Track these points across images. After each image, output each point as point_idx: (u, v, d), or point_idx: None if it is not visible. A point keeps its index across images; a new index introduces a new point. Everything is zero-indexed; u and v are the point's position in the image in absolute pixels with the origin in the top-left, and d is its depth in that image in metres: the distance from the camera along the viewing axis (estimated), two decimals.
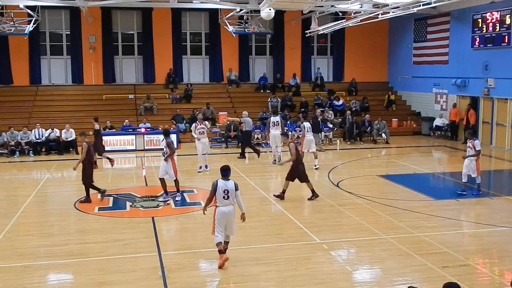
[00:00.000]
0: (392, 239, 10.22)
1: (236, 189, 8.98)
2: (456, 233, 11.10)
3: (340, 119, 26.17)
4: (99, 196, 13.72)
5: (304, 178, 13.33)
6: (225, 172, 9.07)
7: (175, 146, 15.37)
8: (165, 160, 13.53)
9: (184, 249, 9.80)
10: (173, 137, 22.74)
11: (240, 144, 21.89)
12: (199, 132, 17.60)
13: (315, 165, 17.67)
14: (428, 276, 8.49)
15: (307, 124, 17.97)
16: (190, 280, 8.34)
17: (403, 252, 9.55)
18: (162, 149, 14.17)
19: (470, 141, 13.83)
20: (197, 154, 17.99)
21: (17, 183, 16.68)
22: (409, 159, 20.77)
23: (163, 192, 13.72)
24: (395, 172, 17.52)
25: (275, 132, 18.70)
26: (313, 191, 13.32)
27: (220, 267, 8.74)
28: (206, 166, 17.88)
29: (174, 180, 13.65)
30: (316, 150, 18.76)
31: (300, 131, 24.04)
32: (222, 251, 8.85)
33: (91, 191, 13.51)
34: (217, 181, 9.02)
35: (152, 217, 11.94)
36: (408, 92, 29.55)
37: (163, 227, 11.35)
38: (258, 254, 9.52)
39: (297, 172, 13.25)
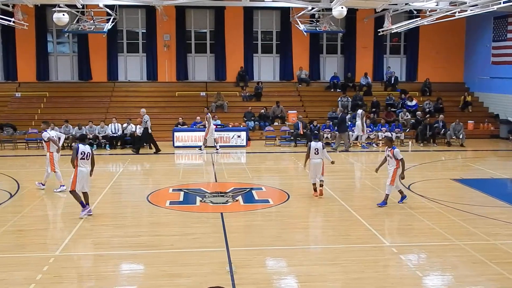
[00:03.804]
0: (466, 245, 9.85)
1: (323, 148, 13.42)
2: None
3: (413, 120, 25.52)
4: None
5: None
6: (316, 136, 14.79)
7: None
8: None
9: (252, 246, 9.86)
10: (243, 134, 23.11)
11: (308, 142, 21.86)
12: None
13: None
14: (504, 286, 8.12)
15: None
16: (257, 277, 8.40)
17: (477, 259, 9.18)
18: None
19: None
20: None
21: (94, 175, 17.34)
22: (486, 163, 19.96)
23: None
24: (470, 176, 16.89)
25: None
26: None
27: (320, 194, 13.35)
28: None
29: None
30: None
31: (370, 131, 23.81)
32: (315, 189, 13.46)
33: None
34: (310, 142, 13.68)
35: (221, 213, 12.11)
36: (486, 93, 28.38)
37: (232, 223, 11.47)
38: (325, 255, 9.46)
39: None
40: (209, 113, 22.08)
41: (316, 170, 13.41)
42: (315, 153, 13.31)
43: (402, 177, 12.53)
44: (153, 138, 21.93)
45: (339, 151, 21.64)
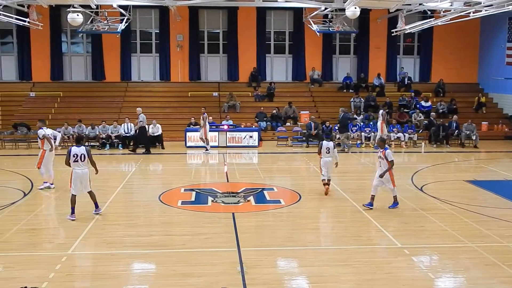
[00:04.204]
0: (479, 247, 9.77)
1: (334, 147, 14.02)
2: None
3: (426, 121, 25.36)
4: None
5: None
6: (328, 135, 14.81)
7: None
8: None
9: (263, 246, 9.87)
10: (255, 134, 23.15)
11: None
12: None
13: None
14: None
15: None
16: (269, 277, 8.40)
17: (490, 262, 9.10)
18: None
19: None
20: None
21: (106, 175, 17.46)
22: (499, 164, 19.78)
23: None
24: (483, 178, 16.76)
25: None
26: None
27: (326, 193, 13.74)
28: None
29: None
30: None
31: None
32: (325, 184, 13.87)
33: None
34: (322, 141, 14.08)
35: (233, 213, 12.13)
36: (501, 94, 28.13)
37: (243, 223, 11.47)
38: (336, 255, 9.43)
39: None
40: (205, 113, 21.99)
41: (327, 168, 13.91)
42: (326, 152, 13.85)
43: (381, 176, 12.33)
44: (148, 138, 22.01)
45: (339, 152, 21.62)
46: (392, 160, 12.25)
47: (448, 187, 15.40)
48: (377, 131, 23.05)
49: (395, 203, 12.58)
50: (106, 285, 8.11)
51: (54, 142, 14.72)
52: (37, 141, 14.72)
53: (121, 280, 8.27)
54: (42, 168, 14.43)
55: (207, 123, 21.85)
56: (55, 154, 14.85)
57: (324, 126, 23.05)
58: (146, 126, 22.00)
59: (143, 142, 21.93)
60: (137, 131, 21.88)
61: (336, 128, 23.44)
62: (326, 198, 13.58)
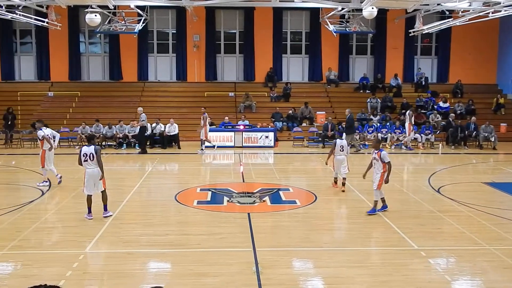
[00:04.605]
0: (497, 250, 9.66)
1: (348, 145, 14.60)
2: None
3: (443, 122, 25.15)
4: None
5: None
6: (341, 134, 15.91)
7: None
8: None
9: (279, 247, 9.86)
10: (271, 135, 23.15)
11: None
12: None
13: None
14: None
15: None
16: (284, 277, 8.39)
17: (508, 265, 8.99)
18: None
19: None
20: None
21: (123, 174, 17.61)
22: None
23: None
24: (501, 180, 16.56)
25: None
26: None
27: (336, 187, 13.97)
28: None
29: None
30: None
31: (399, 133, 23.57)
32: (336, 182, 14.54)
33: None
34: (335, 140, 14.72)
35: (248, 213, 12.13)
36: None
37: (259, 223, 11.47)
38: (352, 257, 9.39)
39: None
40: (206, 113, 21.99)
41: (339, 166, 14.29)
42: (340, 150, 14.27)
43: (386, 181, 11.85)
44: (145, 139, 22.16)
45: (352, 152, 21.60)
46: (389, 162, 11.83)
47: (465, 189, 15.25)
48: (404, 132, 23.02)
49: (373, 209, 11.95)
50: (123, 283, 8.17)
51: (54, 142, 15.00)
52: (48, 141, 14.85)
53: (137, 279, 8.32)
54: (45, 168, 14.80)
55: (207, 123, 21.86)
56: (55, 154, 15.21)
57: (340, 126, 22.97)
58: (148, 126, 22.17)
59: (140, 140, 22.03)
60: (139, 130, 22.07)
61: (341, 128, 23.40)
62: (342, 199, 13.53)
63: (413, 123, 23.21)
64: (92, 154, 11.40)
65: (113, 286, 8.10)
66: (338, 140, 14.60)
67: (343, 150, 14.30)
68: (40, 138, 14.76)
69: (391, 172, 11.93)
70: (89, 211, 11.52)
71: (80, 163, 11.52)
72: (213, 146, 22.10)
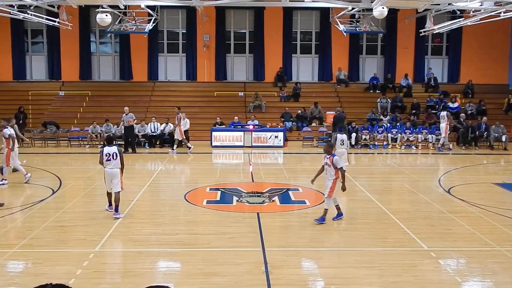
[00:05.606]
0: (508, 252, 9.58)
1: (347, 139, 15.13)
2: None
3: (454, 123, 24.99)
4: None
5: None
6: (341, 128, 16.61)
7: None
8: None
9: (288, 247, 9.85)
10: (280, 135, 23.14)
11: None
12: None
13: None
14: None
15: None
16: (293, 278, 8.38)
17: None
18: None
19: None
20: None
21: (133, 173, 17.66)
22: None
23: None
24: None
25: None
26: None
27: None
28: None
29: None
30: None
31: (410, 133, 23.48)
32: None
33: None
34: (336, 134, 15.17)
35: (257, 213, 12.13)
36: None
37: (268, 223, 11.46)
38: (361, 257, 9.36)
39: None
40: (179, 113, 21.69)
41: (341, 158, 13.91)
42: (340, 144, 14.91)
43: (343, 189, 11.16)
44: (134, 138, 22.11)
45: None
46: (342, 167, 11.25)
47: (476, 190, 15.15)
48: (415, 132, 22.98)
49: (322, 218, 11.15)
50: (133, 282, 8.20)
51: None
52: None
53: (147, 278, 8.35)
54: (5, 167, 14.95)
55: (181, 123, 21.67)
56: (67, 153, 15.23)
57: (350, 126, 22.91)
58: (134, 126, 22.07)
59: (127, 141, 21.82)
60: (124, 130, 21.81)
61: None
62: (351, 199, 13.49)
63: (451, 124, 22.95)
64: (116, 153, 11.66)
65: (123, 285, 8.13)
66: (338, 135, 15.25)
67: (343, 144, 14.98)
68: (6, 137, 14.90)
69: (335, 180, 11.12)
70: (110, 204, 11.84)
71: (102, 163, 11.69)
72: (188, 147, 21.62)
